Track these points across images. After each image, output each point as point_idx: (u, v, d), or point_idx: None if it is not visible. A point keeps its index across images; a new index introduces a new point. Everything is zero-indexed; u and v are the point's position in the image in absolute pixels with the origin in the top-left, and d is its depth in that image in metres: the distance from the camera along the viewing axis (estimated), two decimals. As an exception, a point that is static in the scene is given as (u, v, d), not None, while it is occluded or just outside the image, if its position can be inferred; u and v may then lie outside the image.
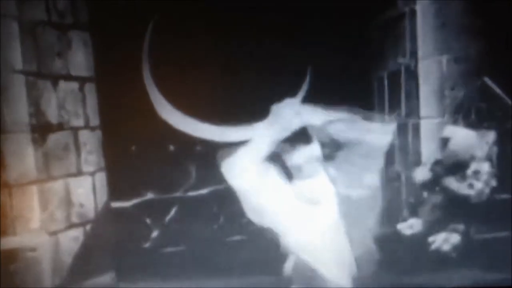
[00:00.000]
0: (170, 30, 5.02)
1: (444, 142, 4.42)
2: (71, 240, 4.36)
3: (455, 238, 4.39)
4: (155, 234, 4.77)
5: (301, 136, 3.97)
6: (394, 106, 5.11)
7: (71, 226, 4.42)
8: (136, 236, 4.65)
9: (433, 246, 4.31)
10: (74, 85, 4.62)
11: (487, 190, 4.41)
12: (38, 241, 4.06)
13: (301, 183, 3.90)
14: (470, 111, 4.90)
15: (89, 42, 4.77)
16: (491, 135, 4.93)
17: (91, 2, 4.80)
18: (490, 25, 4.69)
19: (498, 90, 4.79)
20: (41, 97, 4.32)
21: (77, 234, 4.47)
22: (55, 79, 4.47)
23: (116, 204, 4.73)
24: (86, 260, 4.43)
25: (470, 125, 4.98)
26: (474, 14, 4.78)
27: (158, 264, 4.61)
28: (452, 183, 4.43)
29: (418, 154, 5.11)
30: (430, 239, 4.40)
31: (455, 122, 5.05)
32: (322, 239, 3.82)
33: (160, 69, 4.94)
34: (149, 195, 4.96)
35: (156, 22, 4.88)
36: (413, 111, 5.00)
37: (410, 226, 4.48)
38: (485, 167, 4.37)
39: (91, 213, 4.64)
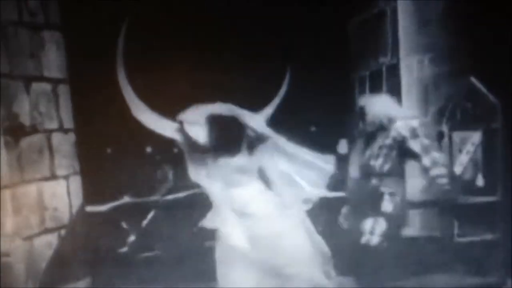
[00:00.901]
0: (144, 30, 5.27)
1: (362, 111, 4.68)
2: (46, 245, 4.58)
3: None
4: (131, 238, 5.06)
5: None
6: None
7: (45, 230, 4.63)
8: (112, 240, 4.94)
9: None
10: (47, 87, 4.84)
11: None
12: (11, 246, 4.27)
13: (234, 191, 4.18)
14: (455, 111, 5.25)
15: (62, 42, 4.99)
16: (477, 135, 5.29)
17: (63, 2, 5.01)
18: (474, 23, 4.94)
19: (484, 90, 5.05)
20: (14, 99, 4.52)
21: (52, 239, 4.68)
22: (27, 81, 4.69)
23: (91, 208, 4.97)
24: (61, 265, 4.65)
25: (455, 125, 5.35)
26: (457, 12, 5.07)
27: (135, 269, 4.89)
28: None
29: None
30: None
31: (439, 122, 5.41)
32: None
33: (135, 69, 5.22)
34: (125, 199, 5.23)
35: (129, 22, 5.17)
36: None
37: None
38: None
39: (65, 218, 4.85)
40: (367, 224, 4.44)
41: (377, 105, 4.49)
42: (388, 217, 4.43)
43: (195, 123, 4.24)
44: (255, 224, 4.08)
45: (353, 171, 4.57)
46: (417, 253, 4.88)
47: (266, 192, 4.24)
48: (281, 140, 4.37)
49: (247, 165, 4.22)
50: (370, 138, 4.47)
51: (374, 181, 4.45)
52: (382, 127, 4.42)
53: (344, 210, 4.64)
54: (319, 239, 4.25)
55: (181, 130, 4.25)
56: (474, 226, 5.02)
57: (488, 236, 4.94)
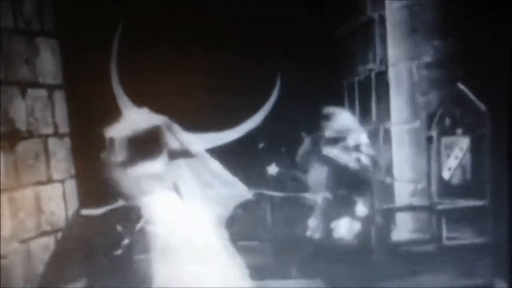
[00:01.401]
0: (137, 36, 5.54)
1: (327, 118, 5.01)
2: (43, 248, 4.81)
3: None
4: (126, 241, 5.30)
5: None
6: (365, 112, 5.66)
7: (42, 234, 4.87)
8: (107, 243, 5.16)
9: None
10: (43, 92, 5.09)
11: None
12: (8, 248, 4.50)
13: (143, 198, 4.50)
14: (443, 117, 5.48)
15: (57, 49, 5.24)
16: (465, 141, 5.55)
17: (58, 8, 5.26)
18: (462, 30, 5.15)
19: (471, 96, 5.22)
20: (10, 104, 4.76)
21: (49, 241, 4.93)
22: (23, 87, 4.93)
23: (86, 212, 5.18)
24: (58, 268, 4.88)
25: (444, 130, 5.62)
26: (445, 19, 5.25)
27: (130, 271, 5.13)
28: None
29: (389, 160, 5.76)
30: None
31: (428, 127, 5.67)
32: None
33: (128, 74, 5.48)
34: (120, 202, 5.48)
35: (123, 28, 5.44)
36: (385, 117, 5.56)
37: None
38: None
39: (62, 221, 5.10)
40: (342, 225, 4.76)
41: (341, 116, 4.90)
42: (361, 220, 4.76)
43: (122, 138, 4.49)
44: (162, 233, 4.36)
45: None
46: (406, 256, 5.18)
47: (177, 202, 4.49)
48: (208, 159, 4.75)
49: (162, 174, 4.47)
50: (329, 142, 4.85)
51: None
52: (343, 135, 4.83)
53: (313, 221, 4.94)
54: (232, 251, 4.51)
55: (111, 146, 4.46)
56: (463, 230, 5.20)
57: (477, 239, 5.10)
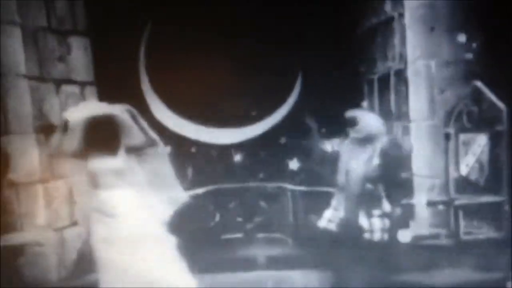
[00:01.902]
0: (166, 34, 5.92)
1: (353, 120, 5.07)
2: (75, 236, 5.14)
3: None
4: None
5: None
6: (384, 108, 5.88)
7: (74, 223, 5.18)
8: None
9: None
10: (75, 89, 5.49)
11: None
12: (44, 236, 4.93)
13: (101, 193, 4.29)
14: (461, 114, 5.57)
15: (89, 47, 5.64)
16: (482, 138, 5.73)
17: (90, 8, 5.64)
18: (480, 28, 5.38)
19: (489, 93, 5.37)
20: (44, 100, 5.18)
21: (81, 230, 5.08)
22: (57, 83, 5.34)
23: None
24: (89, 255, 5.27)
25: (461, 127, 5.81)
26: (464, 18, 5.45)
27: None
28: None
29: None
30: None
31: (446, 124, 5.87)
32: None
33: (156, 72, 5.88)
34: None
35: (152, 27, 5.80)
36: (403, 114, 5.75)
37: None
38: None
39: (93, 211, 5.50)
40: (370, 222, 5.01)
41: (368, 118, 5.10)
42: (388, 215, 4.99)
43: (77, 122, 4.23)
44: (120, 226, 4.24)
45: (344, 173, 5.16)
46: (424, 250, 5.38)
47: (136, 195, 4.34)
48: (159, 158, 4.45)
49: (123, 168, 4.27)
50: (358, 144, 5.06)
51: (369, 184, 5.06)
52: (370, 137, 5.04)
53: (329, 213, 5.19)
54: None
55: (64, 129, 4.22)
56: (480, 225, 5.39)
57: (494, 234, 5.29)
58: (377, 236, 4.90)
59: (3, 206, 4.81)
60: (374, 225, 4.92)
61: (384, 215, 4.93)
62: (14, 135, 4.93)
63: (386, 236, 4.92)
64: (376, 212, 4.92)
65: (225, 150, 6.15)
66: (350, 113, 4.94)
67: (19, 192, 4.88)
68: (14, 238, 4.79)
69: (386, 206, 4.97)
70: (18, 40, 5.01)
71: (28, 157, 4.96)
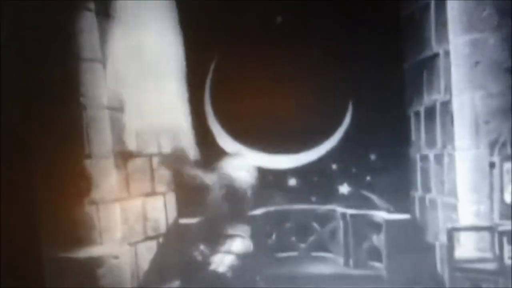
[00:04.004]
0: (229, 68, 6.54)
1: None
2: (147, 250, 5.78)
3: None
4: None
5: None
6: (430, 139, 6.21)
7: (147, 238, 5.86)
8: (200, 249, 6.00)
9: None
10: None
11: None
12: (120, 250, 5.46)
13: None
14: (505, 143, 5.68)
15: (161, 81, 6.30)
16: None
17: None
18: None
19: None
20: (123, 129, 5.79)
21: (152, 245, 5.90)
22: (133, 115, 5.99)
23: (183, 220, 6.15)
24: (158, 268, 5.82)
25: (506, 156, 5.89)
26: (506, 51, 5.63)
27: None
28: None
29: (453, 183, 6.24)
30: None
31: (491, 153, 6.10)
32: None
33: (220, 103, 6.45)
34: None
35: (217, 61, 6.38)
36: (449, 143, 5.99)
37: None
38: None
39: (163, 228, 6.08)
40: None
41: None
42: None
43: None
44: None
45: None
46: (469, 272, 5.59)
47: None
48: None
49: None
50: None
51: None
52: None
53: None
54: None
55: None
56: None
57: None
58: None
59: (86, 222, 5.35)
60: None
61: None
62: (96, 159, 5.46)
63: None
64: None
65: (281, 174, 6.72)
66: None
67: (99, 210, 5.41)
68: (94, 251, 5.31)
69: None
70: (100, 74, 5.56)
71: (108, 178, 5.50)
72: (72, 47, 5.30)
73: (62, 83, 5.26)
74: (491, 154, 5.80)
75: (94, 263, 5.22)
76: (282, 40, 6.47)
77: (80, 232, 5.30)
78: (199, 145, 6.32)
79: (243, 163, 5.72)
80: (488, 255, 5.64)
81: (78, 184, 5.31)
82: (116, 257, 5.35)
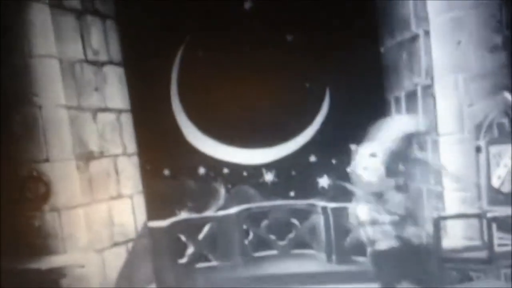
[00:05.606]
0: (197, 61, 6.24)
1: None
2: (116, 257, 5.48)
3: None
4: (190, 250, 5.90)
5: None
6: None
7: (114, 244, 5.54)
8: (173, 252, 5.78)
9: None
10: (112, 116, 5.78)
11: None
12: (86, 258, 5.17)
13: None
14: (491, 126, 5.67)
15: (123, 76, 5.93)
16: None
17: (123, 40, 5.97)
18: (506, 40, 5.39)
19: None
20: (82, 128, 5.47)
21: (120, 251, 5.58)
22: (94, 112, 5.63)
23: (153, 224, 5.85)
24: (129, 275, 5.53)
25: (492, 140, 5.86)
26: (490, 31, 5.47)
27: (193, 277, 5.73)
28: None
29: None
30: None
31: (476, 137, 5.95)
32: None
33: (188, 97, 6.18)
34: (183, 214, 6.10)
35: (183, 54, 6.11)
36: (432, 129, 5.79)
37: None
38: None
39: (132, 232, 5.76)
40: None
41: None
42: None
43: None
44: None
45: None
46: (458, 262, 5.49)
47: None
48: None
49: None
50: None
51: None
52: None
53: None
54: None
55: None
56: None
57: None
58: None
59: (46, 230, 5.06)
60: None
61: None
62: (55, 163, 5.18)
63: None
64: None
65: (257, 169, 6.46)
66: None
67: (61, 216, 5.13)
68: (57, 261, 5.03)
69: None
70: (56, 72, 5.29)
71: (69, 182, 5.21)
72: (22, 43, 4.99)
73: (12, 82, 4.96)
74: (477, 138, 5.59)
75: (58, 274, 4.96)
76: (252, 26, 6.21)
77: (40, 241, 5.04)
78: (165, 141, 6.03)
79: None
80: (477, 243, 5.47)
81: (37, 190, 5.03)
82: (82, 266, 5.08)
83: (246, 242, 6.07)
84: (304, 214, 6.18)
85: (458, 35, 5.54)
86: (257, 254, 6.07)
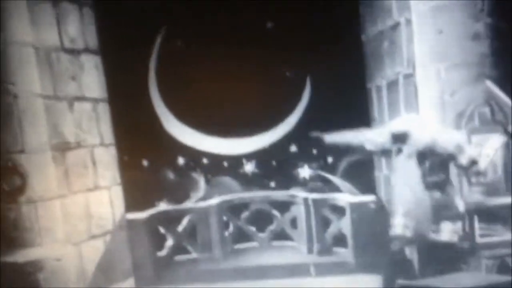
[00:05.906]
0: (176, 50, 6.15)
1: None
2: (93, 250, 5.41)
3: None
4: (169, 242, 5.82)
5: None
6: (394, 114, 5.94)
7: (92, 237, 5.48)
8: (152, 244, 5.69)
9: None
10: (88, 106, 5.70)
11: None
12: (63, 251, 5.09)
13: None
14: (473, 116, 5.67)
15: (100, 64, 5.86)
16: (495, 139, 5.78)
17: (100, 27, 5.87)
18: (489, 28, 5.47)
19: (500, 93, 5.45)
20: (59, 118, 5.37)
21: (98, 244, 5.52)
22: (70, 101, 5.54)
23: (132, 216, 5.72)
24: (107, 268, 5.47)
25: (474, 129, 5.87)
26: (471, 19, 5.51)
27: (173, 270, 5.66)
28: None
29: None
30: None
31: (458, 127, 5.96)
32: None
33: (166, 86, 6.08)
34: (162, 206, 6.02)
35: (162, 43, 6.01)
36: None
37: None
38: None
39: (109, 225, 5.70)
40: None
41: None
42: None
43: None
44: None
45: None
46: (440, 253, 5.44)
47: None
48: None
49: None
50: None
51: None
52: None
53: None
54: None
55: None
56: (495, 227, 5.39)
57: (509, 236, 5.23)
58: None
59: (22, 222, 4.97)
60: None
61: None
62: (30, 154, 5.09)
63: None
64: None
65: (236, 159, 6.38)
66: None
67: (37, 208, 5.05)
68: (33, 254, 4.94)
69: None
70: (32, 60, 5.19)
71: (45, 174, 5.13)
72: (-4, 30, 4.89)
73: (-15, 70, 4.86)
74: (458, 128, 5.63)
75: (34, 267, 4.87)
76: (232, 13, 6.13)
77: (16, 233, 4.95)
78: (144, 131, 5.94)
79: None
80: (459, 234, 5.42)
81: (12, 181, 4.93)
82: (59, 259, 5.00)
83: (227, 234, 5.97)
84: (285, 205, 6.13)
85: (440, 24, 5.57)
86: (237, 246, 5.98)
